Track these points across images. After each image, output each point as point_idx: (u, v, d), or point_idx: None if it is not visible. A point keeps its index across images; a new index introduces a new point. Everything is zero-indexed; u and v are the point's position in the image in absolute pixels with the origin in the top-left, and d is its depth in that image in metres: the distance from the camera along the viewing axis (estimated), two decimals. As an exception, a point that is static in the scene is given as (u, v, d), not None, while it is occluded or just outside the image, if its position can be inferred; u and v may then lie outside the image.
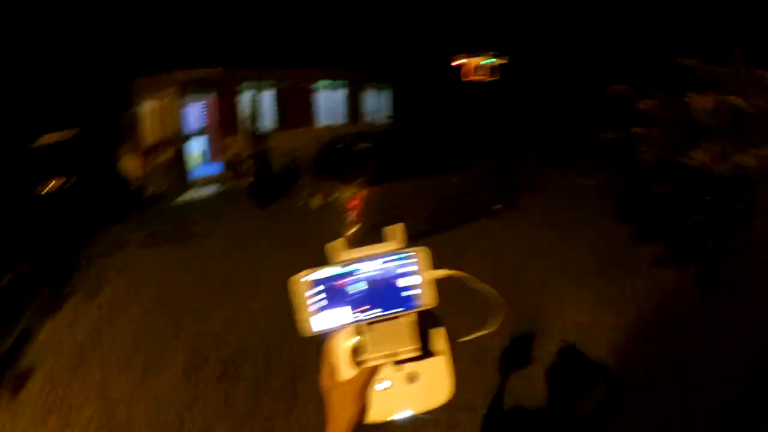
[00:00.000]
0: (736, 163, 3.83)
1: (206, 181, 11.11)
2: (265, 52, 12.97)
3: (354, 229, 5.51)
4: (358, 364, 0.61)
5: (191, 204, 9.50)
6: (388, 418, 0.62)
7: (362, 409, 0.60)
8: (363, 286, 0.58)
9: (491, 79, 12.23)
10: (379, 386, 0.62)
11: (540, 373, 3.50)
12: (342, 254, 0.60)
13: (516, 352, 3.69)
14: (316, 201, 6.20)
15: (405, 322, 0.60)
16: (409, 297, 0.59)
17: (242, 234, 7.03)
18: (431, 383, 0.63)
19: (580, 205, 8.33)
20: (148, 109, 10.67)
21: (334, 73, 13.76)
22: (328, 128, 12.91)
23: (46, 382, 3.52)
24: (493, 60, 12.10)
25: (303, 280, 0.57)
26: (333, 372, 0.62)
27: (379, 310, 0.59)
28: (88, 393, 3.35)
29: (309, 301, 0.57)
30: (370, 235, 4.02)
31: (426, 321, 0.64)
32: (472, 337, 0.75)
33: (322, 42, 13.76)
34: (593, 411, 3.23)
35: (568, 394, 3.38)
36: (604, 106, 5.96)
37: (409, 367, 0.63)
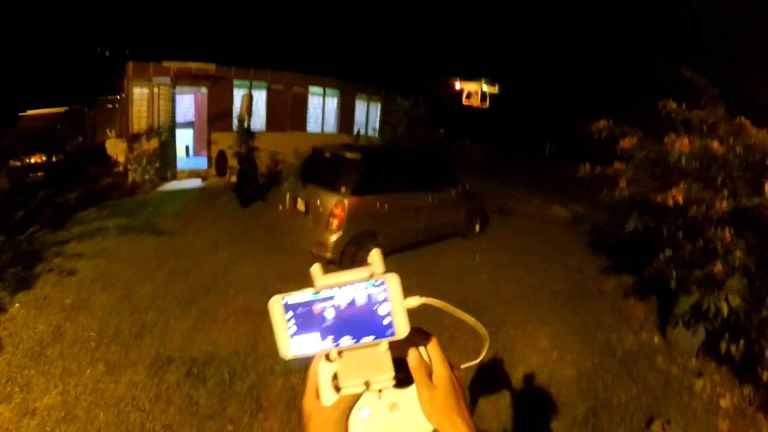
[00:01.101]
0: (710, 204, 3.91)
1: (188, 175, 11.00)
2: (261, 53, 12.99)
3: (335, 238, 5.53)
4: (338, 390, 0.60)
5: (171, 196, 9.38)
6: None
7: None
8: (333, 313, 0.57)
9: (482, 106, 12.47)
10: (360, 413, 0.60)
11: (508, 399, 3.57)
12: (317, 279, 0.59)
13: (484, 379, 3.75)
14: (299, 206, 6.20)
15: (378, 351, 0.58)
16: (380, 325, 0.57)
17: (219, 234, 6.91)
18: (412, 413, 0.60)
19: (552, 233, 8.58)
20: (138, 95, 10.55)
21: (328, 81, 13.85)
22: (317, 135, 12.98)
23: (4, 368, 3.45)
24: (486, 88, 12.33)
25: (278, 302, 0.57)
26: (315, 395, 0.61)
27: (349, 337, 0.57)
28: (49, 384, 3.30)
29: (287, 325, 0.57)
30: (350, 244, 4.14)
31: (406, 349, 0.62)
32: (463, 368, 0.72)
33: (321, 49, 13.85)
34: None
35: (535, 420, 3.43)
36: (580, 140, 6.14)
37: (390, 395, 0.61)
